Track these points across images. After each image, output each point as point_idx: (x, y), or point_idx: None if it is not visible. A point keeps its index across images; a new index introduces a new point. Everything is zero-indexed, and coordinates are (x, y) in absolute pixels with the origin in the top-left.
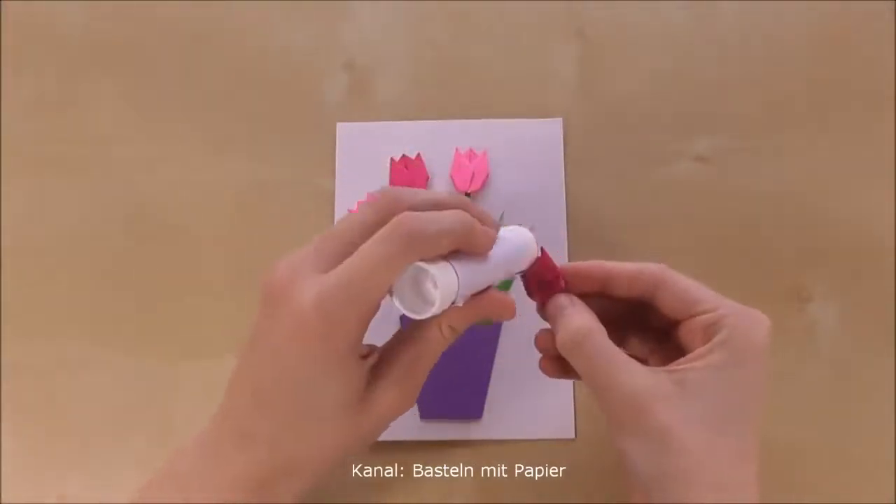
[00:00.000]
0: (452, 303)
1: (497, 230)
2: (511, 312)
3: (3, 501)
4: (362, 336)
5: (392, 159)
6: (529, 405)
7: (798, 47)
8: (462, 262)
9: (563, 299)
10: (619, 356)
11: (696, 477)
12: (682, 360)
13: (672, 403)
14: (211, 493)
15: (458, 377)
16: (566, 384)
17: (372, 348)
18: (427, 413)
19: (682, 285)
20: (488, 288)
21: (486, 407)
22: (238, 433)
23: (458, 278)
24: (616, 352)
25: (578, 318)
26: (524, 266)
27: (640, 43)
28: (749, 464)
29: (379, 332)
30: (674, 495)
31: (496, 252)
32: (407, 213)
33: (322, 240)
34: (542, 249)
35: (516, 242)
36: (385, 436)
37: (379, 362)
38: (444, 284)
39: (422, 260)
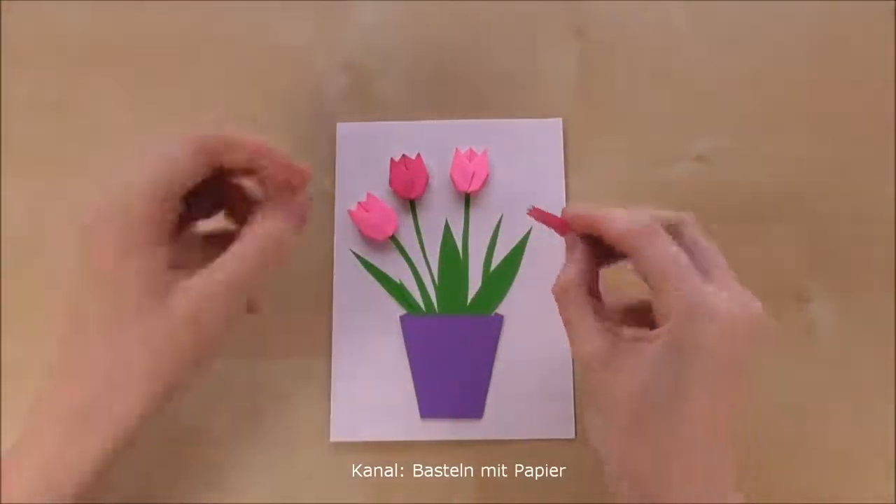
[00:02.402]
0: None
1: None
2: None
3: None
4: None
5: (392, 159)
6: (529, 405)
7: (798, 47)
8: None
9: (569, 240)
10: (587, 318)
11: (610, 458)
12: (641, 334)
13: (605, 377)
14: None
15: (458, 376)
16: (566, 384)
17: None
18: (427, 412)
19: (656, 257)
20: None
21: (486, 407)
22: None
23: None
24: (586, 312)
25: (565, 272)
26: None
27: (640, 43)
28: (667, 459)
29: (379, 332)
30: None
31: None
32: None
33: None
34: (534, 207)
35: None
36: (385, 436)
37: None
38: None
39: None
